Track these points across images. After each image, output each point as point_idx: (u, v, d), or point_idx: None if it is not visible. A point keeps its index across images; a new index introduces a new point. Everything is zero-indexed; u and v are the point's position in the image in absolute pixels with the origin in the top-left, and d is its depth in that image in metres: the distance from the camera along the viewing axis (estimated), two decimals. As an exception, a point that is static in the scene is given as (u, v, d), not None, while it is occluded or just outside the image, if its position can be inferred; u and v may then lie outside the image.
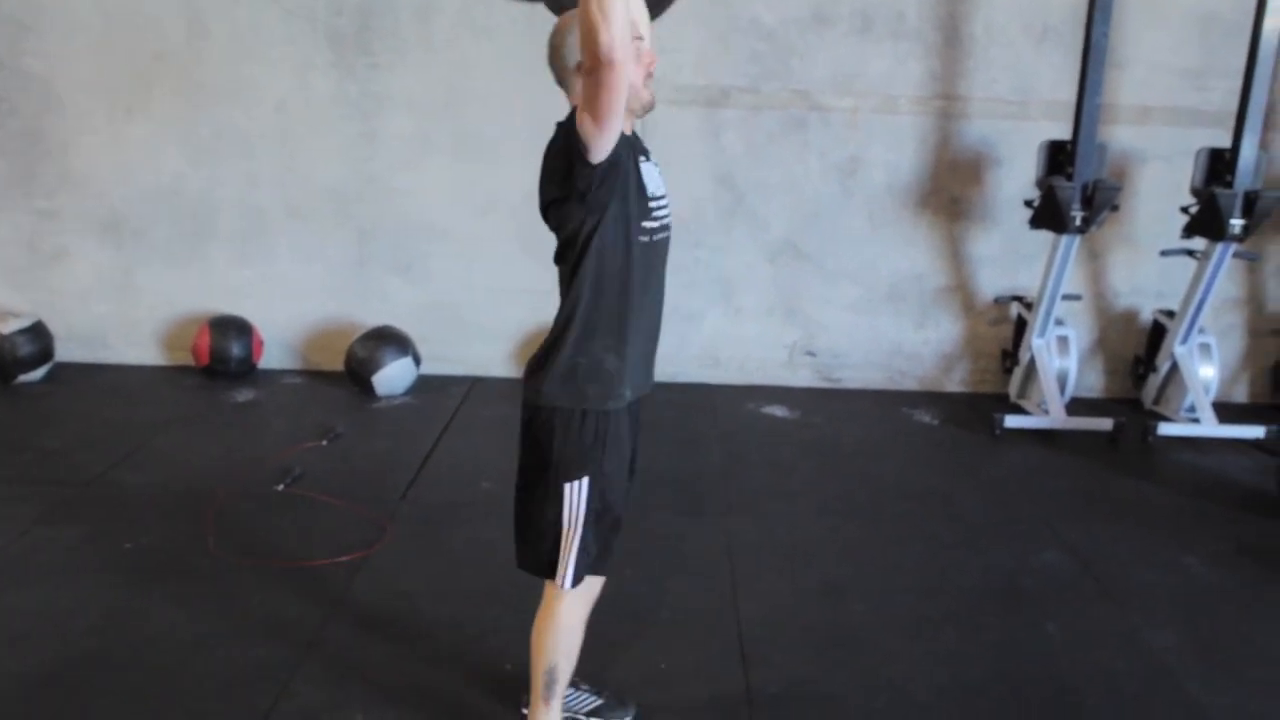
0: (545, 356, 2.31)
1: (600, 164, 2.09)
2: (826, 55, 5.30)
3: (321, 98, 5.33)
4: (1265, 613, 3.51)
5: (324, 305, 5.60)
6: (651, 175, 2.30)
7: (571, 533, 2.34)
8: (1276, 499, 4.26)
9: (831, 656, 3.12)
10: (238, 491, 4.09)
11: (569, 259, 2.24)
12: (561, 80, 2.27)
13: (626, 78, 1.99)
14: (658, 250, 2.32)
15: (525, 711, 2.63)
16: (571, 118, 2.12)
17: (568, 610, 2.44)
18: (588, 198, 2.13)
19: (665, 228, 2.33)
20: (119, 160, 5.39)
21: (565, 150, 2.11)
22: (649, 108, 2.26)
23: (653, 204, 2.27)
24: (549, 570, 2.39)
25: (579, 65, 2.14)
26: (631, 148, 2.24)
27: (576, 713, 2.74)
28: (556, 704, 2.50)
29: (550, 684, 2.47)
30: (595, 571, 2.47)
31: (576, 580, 2.38)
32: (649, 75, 2.23)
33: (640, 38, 2.20)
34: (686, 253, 5.45)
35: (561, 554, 2.36)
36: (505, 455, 4.55)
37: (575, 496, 2.32)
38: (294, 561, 3.53)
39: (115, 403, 5.08)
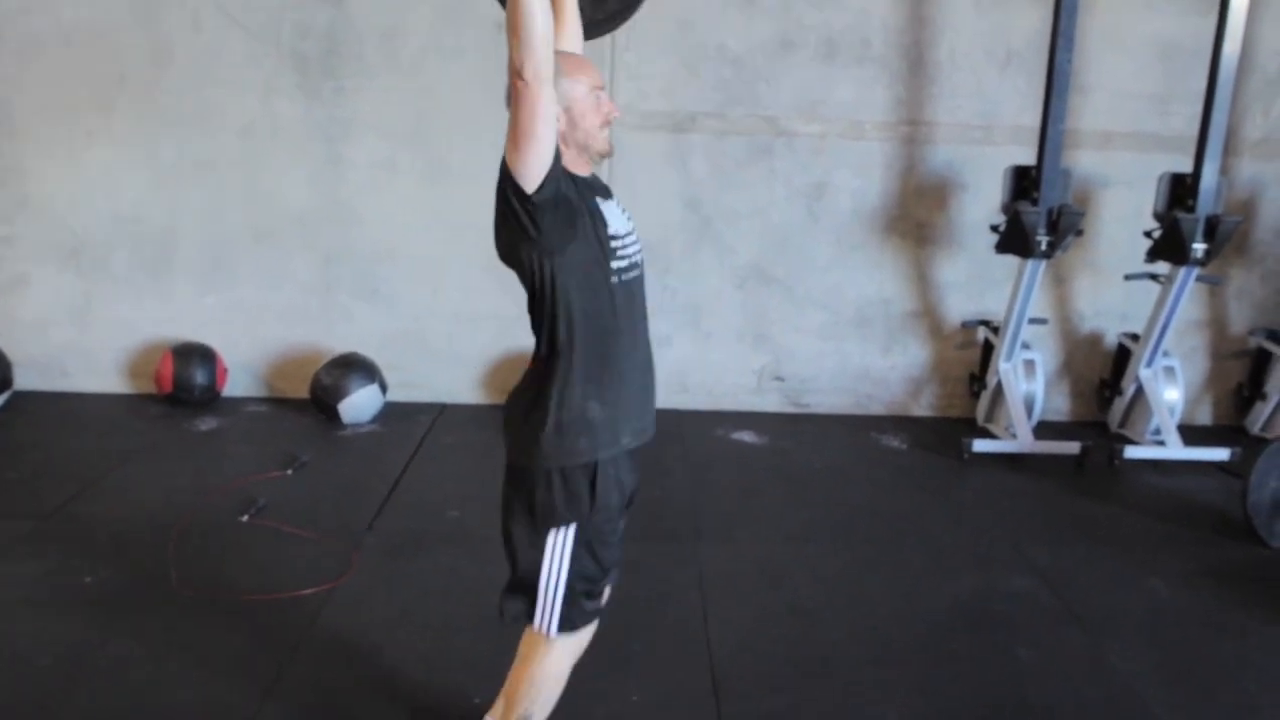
0: (526, 412, 2.25)
1: (538, 196, 2.06)
2: (793, 81, 5.33)
3: (287, 122, 5.29)
4: (1232, 636, 3.53)
5: (289, 332, 5.54)
6: (614, 214, 2.27)
7: (555, 582, 2.28)
8: (1242, 521, 4.28)
9: (804, 685, 3.11)
10: (201, 523, 4.02)
11: (540, 310, 2.20)
12: None
13: (543, 99, 1.99)
14: (631, 289, 2.29)
15: None
16: None
17: (554, 660, 2.38)
18: (539, 238, 2.10)
19: (635, 265, 2.30)
20: (79, 185, 5.32)
21: (502, 188, 2.10)
22: (605, 154, 2.28)
23: (616, 243, 2.23)
24: (530, 618, 2.33)
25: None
26: (589, 189, 2.23)
27: None
28: None
29: None
30: (586, 623, 2.38)
31: (562, 628, 2.32)
32: (606, 124, 2.24)
33: (601, 88, 2.24)
34: (654, 279, 5.40)
35: (543, 603, 2.30)
36: (473, 483, 4.55)
37: (559, 544, 2.27)
38: (259, 595, 3.48)
39: (76, 432, 4.99)
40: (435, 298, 5.51)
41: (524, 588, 2.32)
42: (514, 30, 1.94)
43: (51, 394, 5.48)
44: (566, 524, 2.26)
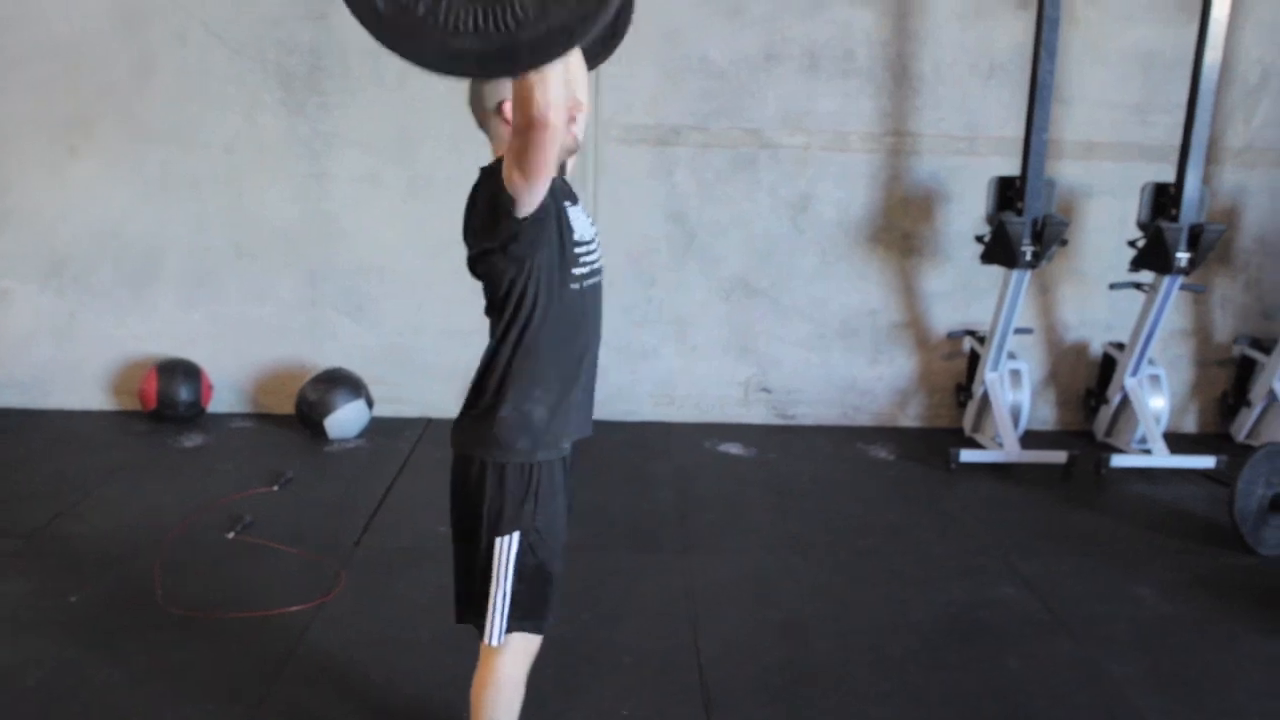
0: (473, 407, 2.26)
1: (528, 217, 2.07)
2: (777, 93, 5.34)
3: (271, 137, 5.27)
4: (1220, 642, 3.53)
5: (274, 347, 5.52)
6: (579, 220, 2.27)
7: (499, 588, 2.27)
8: (1229, 529, 4.30)
9: (795, 697, 3.10)
10: (186, 540, 4.00)
11: (499, 310, 2.21)
12: (482, 124, 2.27)
13: (560, 138, 1.97)
14: (589, 297, 2.29)
15: None
16: (496, 165, 2.09)
17: (508, 666, 2.36)
18: (512, 250, 2.11)
19: (596, 273, 2.30)
20: (62, 200, 5.29)
21: (491, 202, 2.08)
22: (574, 150, 2.26)
23: (579, 249, 2.24)
24: (478, 624, 2.32)
25: (499, 107, 2.17)
26: (559, 192, 2.22)
27: None
28: None
29: None
30: (534, 629, 2.36)
31: (510, 628, 2.30)
32: (572, 120, 2.20)
33: (567, 81, 2.20)
34: (640, 291, 5.45)
35: (489, 609, 2.29)
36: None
37: (504, 551, 2.25)
38: (245, 612, 3.45)
39: (59, 450, 4.95)
40: (420, 312, 5.49)
41: (474, 596, 2.32)
42: (539, 84, 1.87)
43: (34, 411, 5.44)
44: (510, 532, 2.25)
